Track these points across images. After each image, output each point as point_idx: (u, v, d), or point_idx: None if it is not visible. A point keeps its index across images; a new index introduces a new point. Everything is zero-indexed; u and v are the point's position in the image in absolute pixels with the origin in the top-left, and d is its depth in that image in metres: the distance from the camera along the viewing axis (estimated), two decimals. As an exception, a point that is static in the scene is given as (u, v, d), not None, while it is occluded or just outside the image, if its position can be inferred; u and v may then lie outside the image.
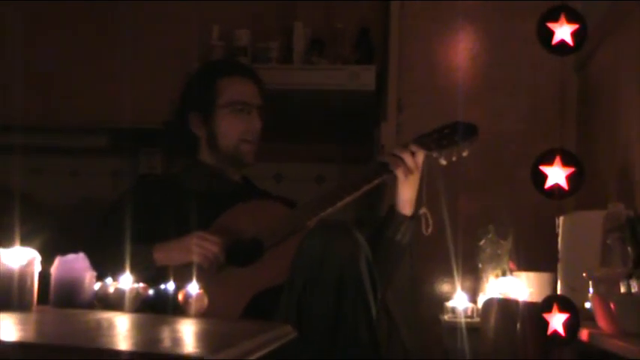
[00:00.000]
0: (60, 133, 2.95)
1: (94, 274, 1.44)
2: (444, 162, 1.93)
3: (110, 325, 1.18)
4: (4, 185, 2.84)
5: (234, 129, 2.05)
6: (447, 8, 2.64)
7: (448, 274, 2.28)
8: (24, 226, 1.40)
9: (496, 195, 2.51)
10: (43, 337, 1.04)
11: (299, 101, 2.81)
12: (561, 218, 1.88)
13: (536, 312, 1.58)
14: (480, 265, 2.16)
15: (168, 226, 1.87)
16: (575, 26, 1.62)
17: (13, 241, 1.28)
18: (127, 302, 1.38)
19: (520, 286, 2.04)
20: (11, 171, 2.92)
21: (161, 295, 1.43)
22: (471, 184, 2.47)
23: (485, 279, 2.14)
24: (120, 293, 1.39)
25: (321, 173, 3.08)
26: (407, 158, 1.88)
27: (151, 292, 1.43)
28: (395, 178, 1.90)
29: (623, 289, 1.47)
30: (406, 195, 1.91)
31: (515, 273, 2.10)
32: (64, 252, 1.44)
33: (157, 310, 1.42)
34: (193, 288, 1.41)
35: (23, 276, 1.25)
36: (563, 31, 1.62)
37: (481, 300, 2.07)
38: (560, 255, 1.85)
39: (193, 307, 1.40)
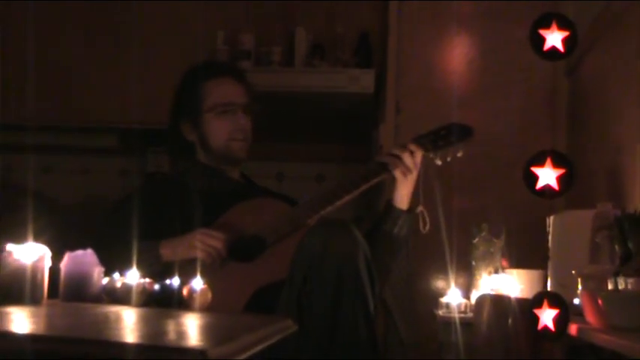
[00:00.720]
0: (71, 133, 2.95)
1: (102, 269, 1.44)
2: (439, 162, 1.93)
3: (117, 319, 1.18)
4: (18, 183, 2.85)
5: (222, 131, 2.04)
6: (443, 15, 2.64)
7: (443, 271, 2.29)
8: (36, 223, 1.40)
9: (489, 195, 2.51)
10: (53, 329, 1.04)
11: (300, 103, 2.82)
12: (552, 217, 1.88)
13: (527, 307, 1.59)
14: (474, 263, 2.16)
15: (174, 224, 1.87)
16: (565, 33, 1.63)
17: (26, 238, 1.28)
18: (134, 297, 1.38)
19: (512, 283, 2.04)
20: (24, 169, 2.92)
21: (166, 290, 1.43)
22: (465, 184, 2.47)
23: (478, 276, 2.14)
24: (127, 288, 1.39)
25: (321, 172, 3.08)
26: (405, 158, 1.88)
27: (156, 287, 1.43)
28: (393, 178, 1.90)
29: (610, 286, 1.47)
30: (403, 192, 1.92)
31: (507, 270, 2.11)
32: (74, 248, 1.45)
33: (162, 305, 1.41)
34: (198, 283, 1.41)
35: (34, 271, 1.25)
36: (554, 38, 1.62)
37: (474, 296, 2.08)
38: (550, 253, 1.85)
39: (197, 302, 1.40)
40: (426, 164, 1.93)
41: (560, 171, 1.60)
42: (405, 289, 2.44)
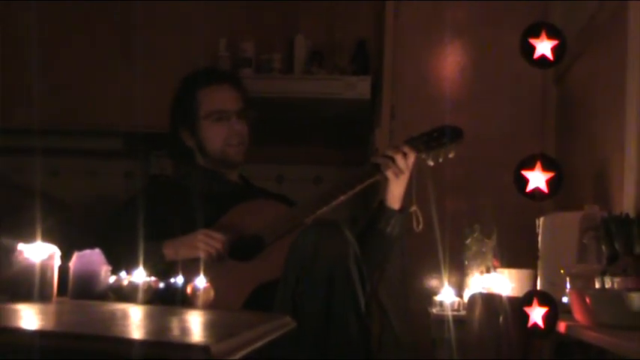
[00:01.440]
0: (77, 136, 2.95)
1: (109, 268, 1.44)
2: (431, 163, 1.94)
3: (124, 316, 1.18)
4: (26, 184, 2.85)
5: (217, 137, 2.04)
6: (437, 24, 2.65)
7: (436, 270, 2.29)
8: (44, 223, 1.40)
9: (481, 196, 2.52)
10: (62, 325, 1.05)
11: (299, 109, 2.82)
12: (541, 219, 1.88)
13: (517, 306, 1.59)
14: (466, 262, 2.16)
15: (176, 224, 1.88)
16: (555, 42, 1.63)
17: (35, 237, 1.28)
18: (140, 294, 1.39)
19: (503, 282, 2.04)
20: (33, 171, 2.92)
21: (171, 288, 1.43)
22: (457, 186, 2.47)
23: (470, 275, 2.14)
24: (133, 286, 1.40)
25: (319, 175, 3.08)
26: (398, 159, 1.89)
27: (161, 285, 1.43)
28: (386, 178, 1.91)
29: (597, 285, 1.47)
30: (395, 192, 1.93)
31: (498, 269, 2.11)
32: (82, 247, 1.45)
33: (166, 302, 1.42)
34: (201, 281, 1.41)
35: (44, 269, 1.25)
36: (543, 47, 1.63)
37: (467, 294, 2.08)
38: (540, 253, 1.86)
39: (200, 299, 1.40)
40: (420, 165, 1.94)
41: (550, 174, 1.60)
42: (400, 287, 2.45)
